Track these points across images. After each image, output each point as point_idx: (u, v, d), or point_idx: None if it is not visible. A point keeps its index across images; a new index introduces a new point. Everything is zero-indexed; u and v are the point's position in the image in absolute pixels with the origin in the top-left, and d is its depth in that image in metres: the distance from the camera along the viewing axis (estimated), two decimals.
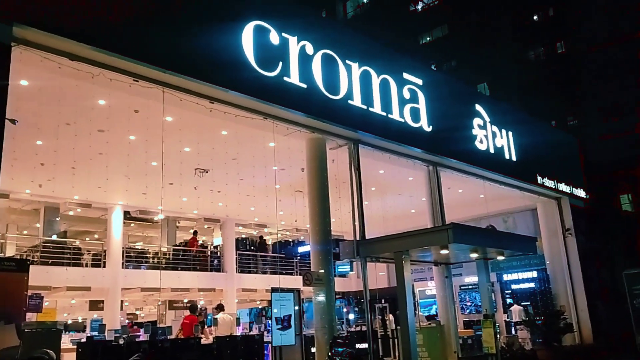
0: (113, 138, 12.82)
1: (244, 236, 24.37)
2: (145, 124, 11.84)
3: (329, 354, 9.26)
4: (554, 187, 19.24)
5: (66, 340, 13.20)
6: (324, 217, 12.31)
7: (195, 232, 22.45)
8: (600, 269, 21.53)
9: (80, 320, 21.78)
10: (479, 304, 16.90)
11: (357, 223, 12.83)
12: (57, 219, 19.84)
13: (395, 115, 13.52)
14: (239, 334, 12.08)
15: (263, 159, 14.17)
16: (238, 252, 22.54)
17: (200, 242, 23.69)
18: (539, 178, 18.58)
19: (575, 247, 19.67)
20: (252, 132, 12.53)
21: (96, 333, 13.88)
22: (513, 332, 19.21)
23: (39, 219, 19.75)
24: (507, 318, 20.44)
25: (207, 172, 15.55)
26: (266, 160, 14.02)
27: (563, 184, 19.76)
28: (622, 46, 35.33)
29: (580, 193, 20.86)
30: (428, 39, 45.46)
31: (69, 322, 21.61)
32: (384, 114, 13.21)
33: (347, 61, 12.50)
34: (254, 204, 19.88)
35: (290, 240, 25.73)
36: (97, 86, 9.60)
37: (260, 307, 24.46)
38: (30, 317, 12.51)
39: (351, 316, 21.37)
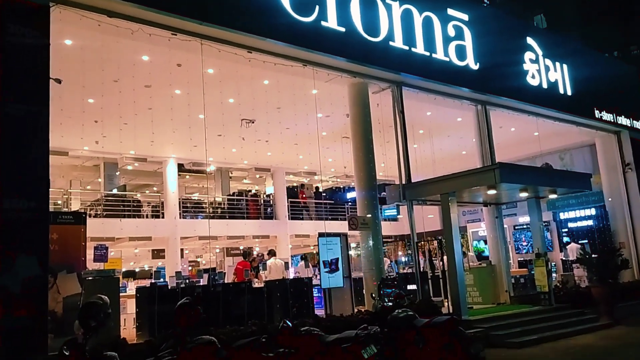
0: (158, 93, 13.09)
1: (294, 184, 24.71)
2: (188, 78, 12.00)
3: (378, 294, 9.45)
4: (612, 120, 18.32)
5: (133, 288, 14.02)
6: (368, 162, 12.31)
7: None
8: None
9: (146, 269, 23.03)
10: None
11: (402, 167, 12.77)
12: (117, 173, 20.70)
13: (439, 54, 13.11)
14: (289, 278, 12.50)
15: (307, 106, 14.14)
16: (289, 199, 22.95)
17: (252, 191, 24.26)
18: (596, 112, 17.71)
19: (635, 182, 18.83)
20: (293, 80, 12.49)
21: (160, 280, 14.76)
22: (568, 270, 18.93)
23: (99, 174, 20.70)
24: (564, 256, 20.10)
25: (253, 122, 15.71)
26: (310, 108, 13.98)
27: (622, 116, 18.77)
28: None
29: None
30: None
31: (137, 270, 22.89)
32: (427, 53, 12.84)
33: (387, 0, 12.11)
34: (301, 152, 20.02)
35: (340, 187, 25.90)
36: (138, 42, 9.79)
37: (314, 252, 25.09)
38: (99, 266, 13.41)
39: (403, 258, 21.60)
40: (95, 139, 16.63)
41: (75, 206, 19.38)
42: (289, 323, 7.26)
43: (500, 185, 11.35)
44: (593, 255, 14.58)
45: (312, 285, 11.48)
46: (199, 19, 9.34)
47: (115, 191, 20.06)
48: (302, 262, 16.71)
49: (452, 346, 7.35)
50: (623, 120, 18.79)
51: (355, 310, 11.05)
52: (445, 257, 12.95)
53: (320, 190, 25.04)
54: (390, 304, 8.74)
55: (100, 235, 16.04)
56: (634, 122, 19.32)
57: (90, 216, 17.89)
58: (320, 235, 11.45)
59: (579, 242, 19.87)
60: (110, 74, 11.83)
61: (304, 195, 23.76)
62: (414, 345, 7.64)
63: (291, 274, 15.40)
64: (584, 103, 17.43)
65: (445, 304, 12.65)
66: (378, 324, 7.68)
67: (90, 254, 10.71)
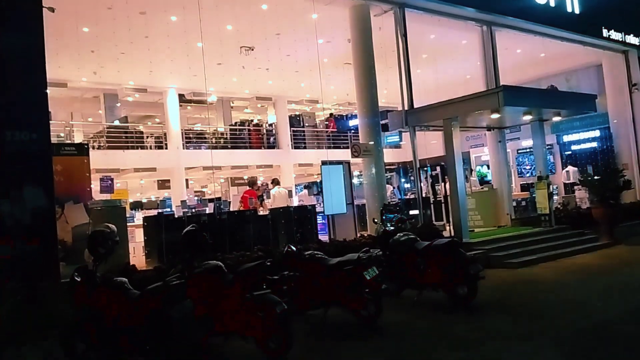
0: (154, 20, 12.76)
1: (297, 113, 24.53)
2: (183, 2, 11.64)
3: (380, 219, 9.61)
4: (621, 39, 17.85)
5: (140, 218, 14.28)
6: (370, 88, 12.16)
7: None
8: None
9: (153, 199, 23.36)
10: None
11: (405, 92, 12.61)
12: (117, 105, 20.57)
13: None
14: (293, 206, 12.66)
15: (307, 32, 13.78)
16: (292, 128, 22.86)
17: (254, 120, 24.13)
18: (604, 31, 17.23)
19: None
20: (292, 4, 12.13)
21: (167, 209, 15.02)
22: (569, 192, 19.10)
23: (100, 105, 20.57)
24: (565, 179, 20.22)
25: (252, 49, 15.38)
26: (310, 34, 13.64)
27: (631, 35, 18.25)
28: None
29: None
30: None
31: (144, 200, 23.23)
32: None
33: None
34: (303, 80, 19.74)
35: (343, 114, 25.71)
36: None
37: (318, 180, 25.28)
38: (105, 197, 13.60)
39: (406, 185, 21.78)
40: (92, 69, 16.40)
41: (77, 138, 19.41)
42: (293, 248, 7.44)
43: (503, 108, 11.23)
44: (595, 177, 14.64)
45: (315, 212, 11.64)
46: None
47: (117, 123, 20.00)
48: (306, 191, 16.89)
49: (452, 268, 7.55)
50: (632, 39, 18.30)
51: (359, 235, 11.28)
52: (446, 182, 13.05)
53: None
54: (392, 228, 8.91)
55: (105, 167, 16.16)
56: None
57: (93, 148, 17.99)
58: (324, 163, 11.49)
59: (579, 165, 19.94)
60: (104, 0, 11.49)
61: (333, 124, 24.16)
62: (415, 267, 7.87)
63: (295, 202, 15.59)
64: (592, 21, 16.92)
65: (447, 227, 12.88)
66: (380, 248, 7.86)
67: (96, 185, 10.84)
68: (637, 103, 18.69)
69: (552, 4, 15.62)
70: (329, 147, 22.60)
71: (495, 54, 14.76)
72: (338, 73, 17.20)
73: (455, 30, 14.87)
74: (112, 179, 12.48)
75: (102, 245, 5.53)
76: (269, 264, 5.91)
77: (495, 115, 12.27)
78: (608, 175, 13.88)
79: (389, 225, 9.28)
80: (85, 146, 9.88)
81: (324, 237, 11.60)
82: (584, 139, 21.01)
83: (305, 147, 23.09)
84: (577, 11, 16.36)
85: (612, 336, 5.87)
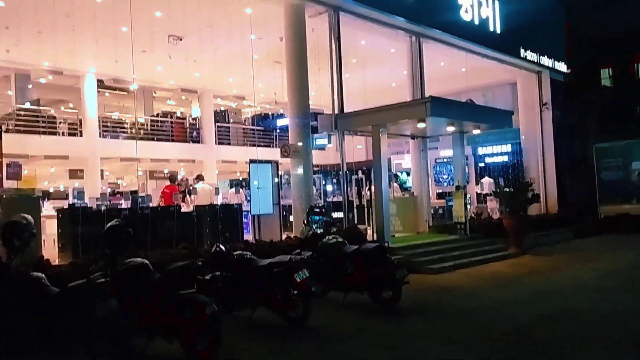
0: None
1: (222, 108, 24.09)
2: None
3: (305, 221, 9.61)
4: (535, 60, 19.03)
5: (49, 208, 13.42)
6: (302, 89, 12.15)
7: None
8: (574, 142, 22.05)
9: (62, 189, 22.04)
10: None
11: (335, 96, 12.72)
12: (29, 86, 19.23)
13: None
14: (218, 204, 12.41)
15: (239, 26, 13.54)
16: (217, 124, 22.41)
17: (177, 113, 23.44)
18: (521, 51, 18.30)
19: (550, 121, 19.99)
20: None
21: (78, 201, 14.13)
22: (481, 202, 20.09)
23: (10, 85, 19.14)
24: (480, 190, 21.23)
25: (181, 39, 14.93)
26: (243, 28, 13.42)
27: (545, 57, 19.52)
28: None
29: (562, 67, 20.72)
30: None
31: (51, 190, 21.86)
32: None
33: None
34: (231, 74, 19.41)
35: (269, 113, 25.55)
36: None
37: (240, 178, 24.95)
38: (12, 184, 12.61)
39: (329, 188, 21.98)
40: (6, 47, 15.22)
41: None
42: (222, 247, 7.27)
43: (429, 118, 11.60)
44: (505, 190, 15.47)
45: (241, 211, 11.47)
46: None
47: (28, 105, 18.68)
48: (233, 189, 16.59)
49: (379, 272, 7.69)
50: (545, 61, 19.56)
51: (284, 236, 11.22)
52: (371, 187, 13.29)
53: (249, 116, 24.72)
54: (320, 230, 8.94)
55: (13, 152, 15.04)
56: (556, 62, 20.17)
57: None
58: (252, 161, 11.33)
59: (491, 176, 21.03)
60: None
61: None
62: (343, 270, 7.94)
63: (219, 200, 15.28)
64: (511, 41, 17.91)
65: (369, 231, 13.12)
66: (309, 250, 7.86)
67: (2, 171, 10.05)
68: (546, 121, 20.00)
69: (477, 21, 16.36)
70: (253, 145, 22.39)
71: (422, 64, 15.24)
72: (267, 71, 17.04)
73: (386, 39, 15.20)
74: (20, 165, 11.64)
75: (18, 237, 5.12)
76: (200, 264, 5.72)
77: (421, 125, 12.66)
78: (519, 189, 14.71)
79: (314, 226, 9.30)
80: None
81: (247, 237, 11.45)
82: (497, 152, 22.18)
83: (229, 144, 22.71)
84: (498, 30, 17.25)
85: (523, 339, 6.21)
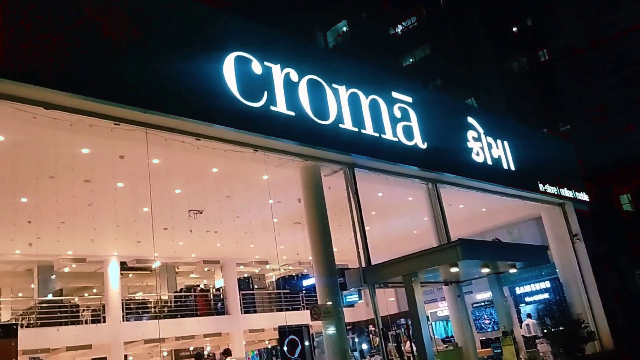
0: (99, 187, 12.39)
1: (245, 275, 23.74)
2: (132, 169, 11.45)
3: None
4: (556, 193, 18.84)
5: None
6: (326, 247, 11.84)
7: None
8: (610, 272, 21.01)
9: None
10: (497, 320, 16.28)
11: (361, 249, 12.37)
12: (52, 277, 19.27)
13: (388, 135, 13.18)
14: None
15: (258, 193, 13.77)
16: (241, 292, 21.90)
17: (201, 286, 23.08)
18: (540, 185, 18.20)
19: (584, 252, 19.16)
20: (244, 166, 12.16)
21: None
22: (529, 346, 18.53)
23: (33, 279, 19.16)
24: (524, 332, 19.80)
25: (201, 212, 15.09)
26: (261, 195, 13.61)
27: (565, 189, 19.37)
28: (601, 49, 35.62)
29: (583, 197, 20.45)
30: (411, 60, 45.77)
31: None
32: (377, 134, 12.87)
33: (334, 85, 12.21)
34: (252, 241, 19.38)
35: (293, 274, 25.10)
36: (77, 134, 9.23)
37: (270, 346, 23.73)
38: None
39: (364, 346, 20.69)
40: (28, 240, 15.48)
41: (5, 316, 17.66)
42: None
43: (462, 261, 11.09)
44: (558, 329, 14.33)
45: None
46: (144, 107, 8.90)
47: (50, 297, 18.49)
48: None
49: None
50: (566, 192, 19.38)
51: None
52: (411, 341, 12.34)
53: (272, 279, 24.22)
54: None
55: (34, 347, 14.52)
56: (577, 193, 19.97)
57: (22, 326, 16.33)
58: (281, 329, 10.65)
59: (532, 316, 19.75)
60: (47, 169, 11.09)
61: None
62: None
63: None
64: (528, 177, 17.90)
65: None
66: None
67: None
68: (580, 253, 19.20)
69: (490, 162, 16.51)
70: (280, 310, 21.62)
71: (442, 208, 15.06)
72: (288, 233, 16.99)
73: (402, 188, 15.25)
74: None
75: None
76: None
77: (454, 269, 12.08)
78: (570, 327, 13.61)
79: None
80: (14, 326, 8.73)
81: None
82: (536, 290, 21.10)
83: (255, 311, 21.95)
84: (513, 168, 17.32)
85: None
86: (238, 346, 20.01)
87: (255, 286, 23.30)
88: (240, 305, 21.45)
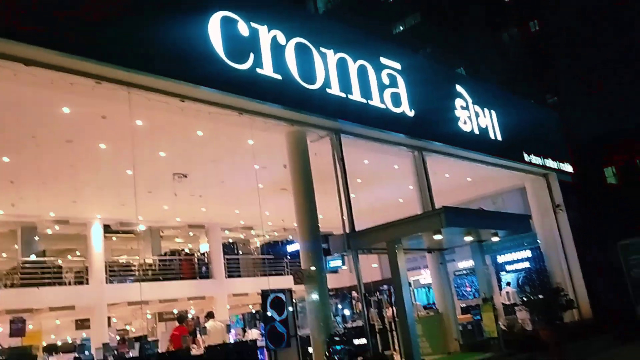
0: (81, 148, 12.19)
1: (230, 240, 23.79)
2: (114, 130, 11.26)
3: (327, 353, 8.80)
4: (541, 163, 18.95)
5: None
6: (310, 213, 11.85)
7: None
8: (592, 242, 21.33)
9: (70, 341, 21.08)
10: (478, 288, 16.53)
11: (345, 216, 12.38)
12: (36, 238, 19.13)
13: (375, 101, 13.07)
14: (231, 342, 11.55)
15: (243, 158, 13.66)
16: (226, 256, 21.97)
17: (185, 250, 23.11)
18: (525, 155, 18.27)
19: (567, 223, 19.42)
20: (229, 130, 12.02)
21: (83, 354, 13.31)
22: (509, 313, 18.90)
23: (16, 240, 19.03)
24: (504, 300, 20.15)
25: (185, 176, 14.98)
26: (246, 160, 13.50)
27: (550, 159, 19.48)
28: (592, 21, 35.42)
29: (567, 168, 20.61)
30: (401, 28, 45.27)
31: (59, 343, 20.89)
32: (364, 100, 12.75)
33: (322, 49, 12.01)
34: (238, 206, 19.34)
35: (278, 240, 25.19)
36: (58, 92, 9.03)
37: (254, 311, 23.96)
38: (16, 342, 11.91)
39: (347, 312, 20.96)
40: (11, 201, 15.27)
41: None
42: None
43: (446, 229, 11.16)
44: (536, 297, 14.55)
45: (257, 347, 10.61)
46: (127, 66, 8.69)
47: (33, 257, 18.40)
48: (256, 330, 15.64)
49: None
50: (550, 163, 19.49)
51: None
52: (393, 308, 12.50)
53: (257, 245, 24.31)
54: None
55: (16, 307, 14.50)
56: (561, 164, 20.10)
57: (5, 286, 16.33)
58: (264, 292, 10.70)
59: (512, 285, 20.08)
60: (28, 128, 10.89)
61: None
62: None
63: (232, 337, 14.38)
64: (514, 147, 17.96)
65: (396, 357, 12.11)
66: None
67: (5, 328, 9.46)
68: (562, 224, 19.46)
69: (477, 131, 16.50)
70: (265, 275, 21.77)
71: (427, 177, 15.09)
72: (273, 198, 16.95)
73: (389, 155, 15.22)
74: (24, 321, 11.08)
75: None
76: None
77: (437, 236, 12.17)
78: (550, 295, 13.85)
79: (337, 358, 8.50)
80: None
81: None
82: (517, 259, 21.39)
83: (239, 276, 22.08)
84: (499, 138, 17.35)
85: None
86: (222, 310, 20.16)
87: (240, 252, 23.39)
88: (225, 270, 21.54)
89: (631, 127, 31.41)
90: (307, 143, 12.38)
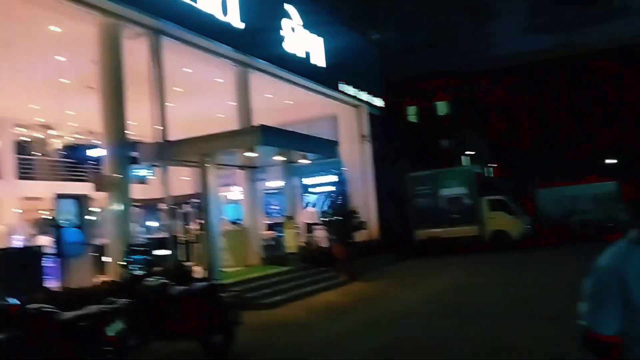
0: None
1: (25, 138, 21.24)
2: None
3: (124, 262, 8.49)
4: (354, 95, 19.98)
5: None
6: (119, 116, 11.03)
7: None
8: (388, 172, 23.53)
9: None
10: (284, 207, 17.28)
11: (158, 123, 11.78)
12: None
13: (202, 5, 12.33)
14: (14, 246, 10.57)
15: (45, 46, 12.00)
16: (19, 156, 19.66)
17: None
18: (342, 85, 19.06)
19: (369, 153, 21.05)
20: (30, 11, 10.39)
21: None
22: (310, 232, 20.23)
23: None
24: (306, 219, 21.41)
25: None
26: (49, 49, 11.92)
27: (365, 93, 20.63)
28: None
29: (379, 102, 22.07)
30: None
31: None
32: (190, 2, 11.94)
33: None
34: (36, 101, 17.19)
35: (82, 144, 23.18)
36: None
37: (51, 217, 22.16)
38: None
39: (153, 224, 20.50)
40: None
41: None
42: (16, 301, 5.95)
43: (261, 147, 11.28)
44: (335, 218, 15.71)
45: (42, 254, 9.84)
46: None
47: None
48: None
49: (209, 314, 6.96)
50: (364, 96, 20.68)
51: (99, 281, 9.89)
52: (201, 221, 12.51)
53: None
54: (140, 272, 7.94)
55: None
56: (373, 98, 21.43)
57: None
58: (59, 196, 9.86)
59: (314, 206, 21.44)
60: None
61: None
62: (168, 316, 7.05)
63: (18, 242, 13.15)
64: (332, 75, 18.58)
65: (194, 269, 12.26)
66: (127, 295, 6.84)
67: None
68: (365, 153, 21.07)
69: (300, 54, 16.64)
70: (64, 179, 20.09)
71: (249, 94, 14.98)
72: (80, 97, 15.37)
73: (212, 68, 14.70)
74: None
75: None
76: None
77: (251, 154, 12.29)
78: (346, 216, 15.04)
79: (133, 267, 8.28)
80: None
81: (55, 284, 9.86)
82: (323, 182, 22.70)
83: (34, 179, 20.05)
84: (320, 64, 17.76)
85: None
86: (9, 213, 18.23)
87: (38, 152, 21.08)
88: (17, 170, 19.35)
89: (435, 70, 34.72)
90: (121, 40, 11.31)
